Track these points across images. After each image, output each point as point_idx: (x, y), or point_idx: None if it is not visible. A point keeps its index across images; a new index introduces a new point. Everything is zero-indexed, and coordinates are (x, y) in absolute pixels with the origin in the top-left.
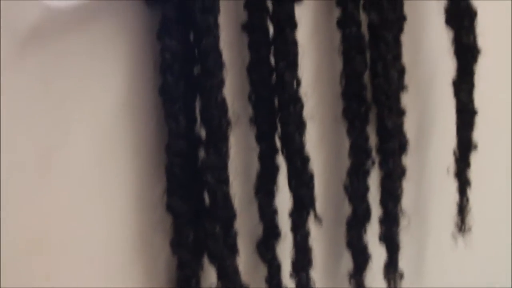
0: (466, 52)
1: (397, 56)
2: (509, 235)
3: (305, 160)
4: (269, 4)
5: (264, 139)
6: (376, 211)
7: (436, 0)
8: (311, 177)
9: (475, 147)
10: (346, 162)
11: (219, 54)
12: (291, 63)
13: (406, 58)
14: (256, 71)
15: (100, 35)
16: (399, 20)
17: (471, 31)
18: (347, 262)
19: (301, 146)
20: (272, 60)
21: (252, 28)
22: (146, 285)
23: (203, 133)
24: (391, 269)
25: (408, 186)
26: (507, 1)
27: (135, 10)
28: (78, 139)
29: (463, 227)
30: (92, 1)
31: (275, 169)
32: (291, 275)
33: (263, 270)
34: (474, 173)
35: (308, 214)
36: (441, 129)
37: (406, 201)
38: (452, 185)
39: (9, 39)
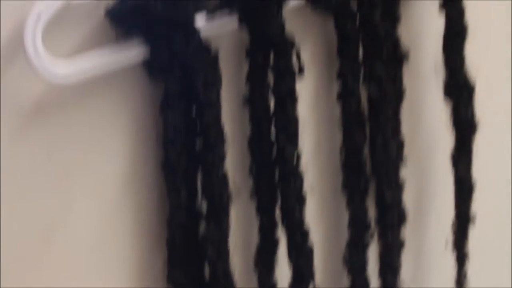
0: (464, 126)
1: (396, 129)
2: None
3: (305, 233)
4: (270, 78)
5: (264, 211)
6: (375, 283)
7: (435, 74)
8: (310, 250)
9: (473, 219)
10: (345, 235)
11: (220, 128)
12: (292, 136)
13: (405, 130)
14: (257, 145)
15: (103, 109)
16: (399, 94)
17: (470, 105)
18: None
19: (301, 219)
20: (273, 133)
21: (253, 102)
22: None
23: (204, 206)
24: None
25: (407, 258)
26: (506, 75)
27: (138, 84)
28: (79, 212)
29: None
30: (95, 75)
31: (275, 242)
32: None
33: None
34: (473, 245)
35: (307, 287)
36: (440, 201)
37: (405, 273)
38: (450, 257)
39: (12, 113)
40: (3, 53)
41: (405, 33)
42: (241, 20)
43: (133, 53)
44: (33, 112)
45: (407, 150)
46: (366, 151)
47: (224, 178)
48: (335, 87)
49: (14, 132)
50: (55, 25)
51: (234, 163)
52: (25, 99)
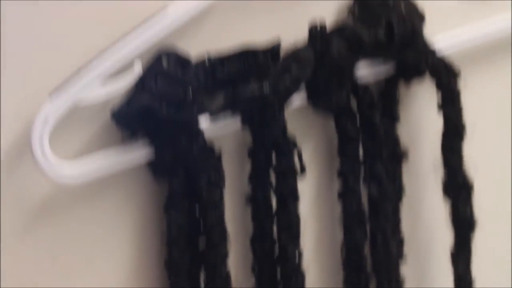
0: (463, 224)
1: (396, 227)
2: None
3: None
4: (272, 177)
5: None
6: None
7: (434, 172)
8: None
9: None
10: None
11: (223, 227)
12: (294, 235)
13: (405, 228)
14: (259, 243)
15: (107, 208)
16: (398, 192)
17: (468, 204)
18: None
19: None
20: (275, 232)
21: (255, 201)
22: None
23: None
24: None
25: None
26: (505, 174)
27: (143, 183)
28: None
29: None
30: (100, 175)
31: None
32: None
33: None
34: None
35: None
36: None
37: None
38: None
39: (17, 212)
40: (10, 153)
41: (405, 132)
42: (244, 122)
43: (138, 153)
44: (39, 212)
45: (407, 248)
46: (366, 248)
47: (226, 277)
48: (336, 185)
49: (19, 231)
50: (62, 126)
51: (237, 262)
52: (31, 199)
